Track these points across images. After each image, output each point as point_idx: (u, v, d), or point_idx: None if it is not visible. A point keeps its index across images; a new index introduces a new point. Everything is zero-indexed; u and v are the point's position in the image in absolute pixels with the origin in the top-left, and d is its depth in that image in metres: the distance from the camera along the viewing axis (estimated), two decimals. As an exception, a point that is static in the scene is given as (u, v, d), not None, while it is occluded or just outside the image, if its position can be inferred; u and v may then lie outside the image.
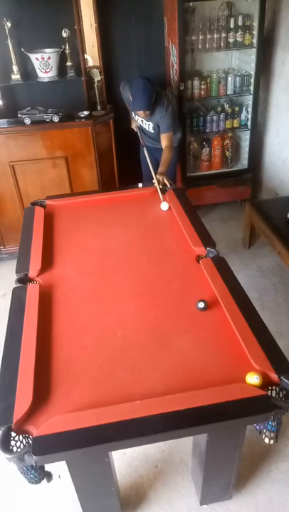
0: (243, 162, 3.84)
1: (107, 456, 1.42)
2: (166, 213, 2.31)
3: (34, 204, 2.43)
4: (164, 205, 2.33)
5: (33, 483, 1.25)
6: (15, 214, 3.21)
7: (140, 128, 3.14)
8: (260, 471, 1.93)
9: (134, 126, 3.20)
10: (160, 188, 2.49)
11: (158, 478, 1.93)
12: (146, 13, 3.43)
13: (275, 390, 1.28)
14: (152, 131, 3.03)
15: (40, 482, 1.25)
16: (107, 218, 2.31)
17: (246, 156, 3.79)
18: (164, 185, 2.55)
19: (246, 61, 3.45)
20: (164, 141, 2.90)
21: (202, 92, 3.45)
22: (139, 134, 3.15)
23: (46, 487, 1.60)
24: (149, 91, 2.72)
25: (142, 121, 3.01)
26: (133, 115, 3.07)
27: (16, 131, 2.97)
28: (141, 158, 3.34)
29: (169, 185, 2.55)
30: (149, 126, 3.01)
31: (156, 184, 2.52)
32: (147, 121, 2.97)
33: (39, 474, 1.23)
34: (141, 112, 2.82)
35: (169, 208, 2.32)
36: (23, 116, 2.97)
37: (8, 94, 3.37)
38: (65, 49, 3.19)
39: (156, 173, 2.63)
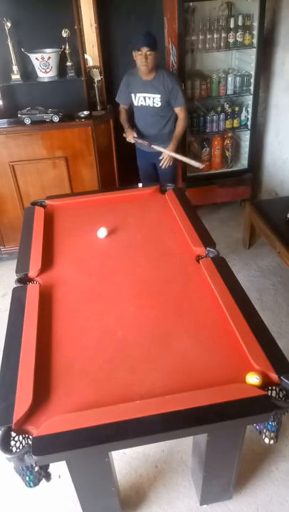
0: (243, 162, 3.84)
1: (107, 456, 1.42)
2: (166, 213, 2.30)
3: (34, 204, 2.43)
4: (101, 232, 2.11)
5: (30, 486, 1.24)
6: (15, 214, 3.21)
7: (139, 122, 3.06)
8: (260, 471, 1.93)
9: (130, 138, 3.04)
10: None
11: (158, 478, 1.93)
12: (146, 13, 3.43)
13: (275, 390, 1.28)
14: (158, 106, 2.90)
15: (37, 485, 1.25)
16: (107, 218, 2.31)
17: (246, 156, 3.78)
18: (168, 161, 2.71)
19: (246, 61, 3.45)
20: (181, 112, 2.92)
21: (202, 92, 3.45)
22: (139, 141, 3.05)
23: (46, 487, 1.60)
24: (154, 36, 2.70)
25: (145, 98, 2.91)
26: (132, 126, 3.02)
27: (16, 131, 2.98)
28: (138, 164, 3.33)
29: (166, 164, 2.63)
30: (154, 100, 2.88)
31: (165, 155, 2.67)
32: (153, 92, 2.84)
33: (35, 478, 1.23)
34: (143, 52, 2.65)
35: (107, 235, 2.11)
36: (23, 116, 2.97)
37: (8, 94, 3.38)
38: (65, 49, 3.20)
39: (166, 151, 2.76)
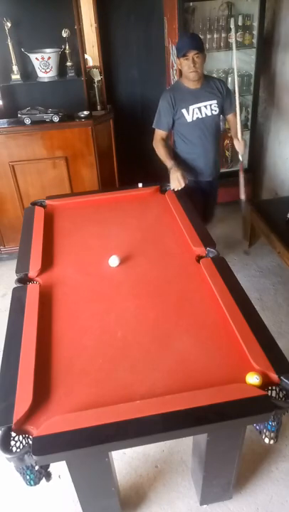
0: (244, 162, 3.83)
1: (107, 456, 1.42)
2: (166, 213, 2.30)
3: (34, 204, 2.43)
4: (114, 261, 1.90)
5: (31, 484, 1.24)
6: (15, 214, 3.21)
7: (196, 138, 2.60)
8: (260, 471, 1.93)
9: (181, 179, 2.40)
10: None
11: (158, 478, 1.93)
12: (146, 13, 3.43)
13: (275, 390, 1.28)
14: (216, 113, 2.57)
15: (38, 483, 1.25)
16: (107, 218, 2.31)
17: (246, 156, 3.78)
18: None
19: (246, 61, 3.45)
20: (233, 118, 2.71)
21: (202, 92, 3.45)
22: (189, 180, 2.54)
23: (46, 487, 1.61)
24: (199, 37, 2.43)
25: (200, 108, 2.51)
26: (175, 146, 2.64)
27: (16, 131, 2.98)
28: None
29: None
30: (212, 107, 2.54)
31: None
32: (209, 99, 2.51)
33: (35, 477, 1.23)
34: (190, 56, 2.33)
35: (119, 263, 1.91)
36: (23, 116, 2.97)
37: (8, 94, 3.38)
38: (65, 49, 3.20)
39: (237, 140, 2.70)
